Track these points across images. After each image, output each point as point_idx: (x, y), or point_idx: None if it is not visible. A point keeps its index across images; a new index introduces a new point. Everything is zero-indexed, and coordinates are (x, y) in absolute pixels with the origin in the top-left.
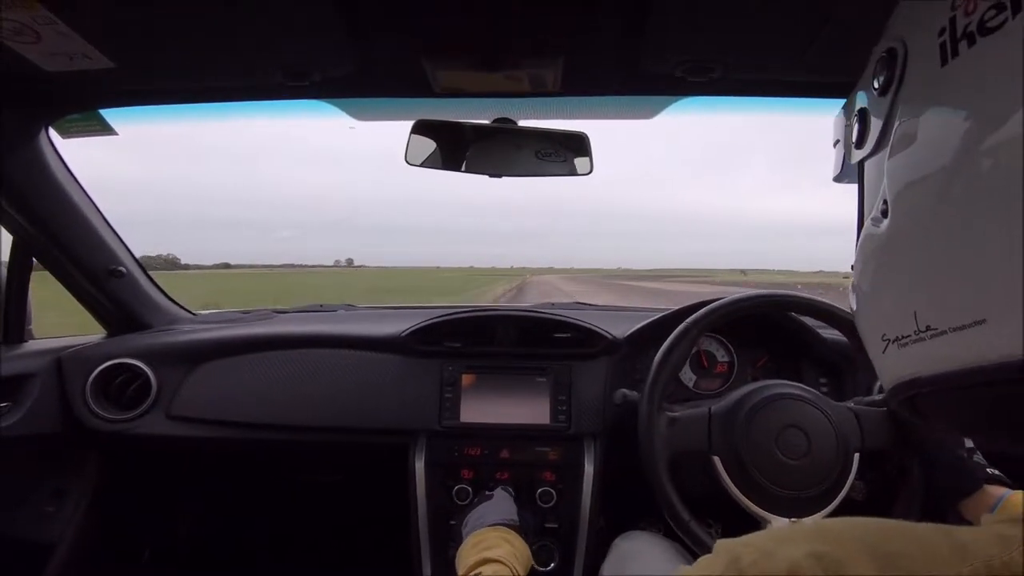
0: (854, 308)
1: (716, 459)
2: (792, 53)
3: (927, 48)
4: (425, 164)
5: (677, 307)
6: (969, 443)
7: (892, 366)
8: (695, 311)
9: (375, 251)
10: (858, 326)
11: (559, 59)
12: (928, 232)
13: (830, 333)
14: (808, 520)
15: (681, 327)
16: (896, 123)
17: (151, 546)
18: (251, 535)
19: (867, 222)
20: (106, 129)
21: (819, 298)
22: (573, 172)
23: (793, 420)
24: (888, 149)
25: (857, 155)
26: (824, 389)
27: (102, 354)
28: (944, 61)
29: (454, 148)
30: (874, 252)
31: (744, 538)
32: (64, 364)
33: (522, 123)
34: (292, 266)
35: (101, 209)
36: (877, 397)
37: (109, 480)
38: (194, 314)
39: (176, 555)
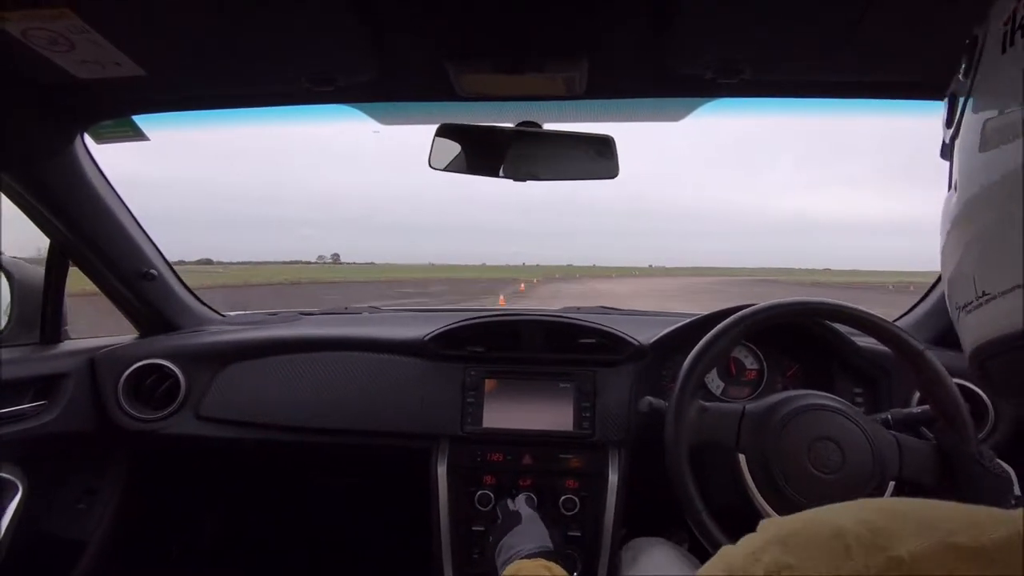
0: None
1: (741, 457)
2: (825, 53)
3: (995, 35)
4: (449, 168)
5: (704, 313)
6: (1018, 491)
7: (964, 334)
8: (723, 318)
9: (386, 249)
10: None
11: (583, 62)
12: (980, 205)
13: (865, 341)
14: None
15: (724, 324)
16: (969, 105)
17: (178, 544)
18: (273, 534)
19: (946, 195)
20: (138, 135)
21: (860, 307)
22: (599, 175)
23: (828, 433)
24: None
25: (947, 134)
26: (859, 399)
27: (134, 354)
28: (1003, 49)
29: (478, 151)
30: (948, 224)
31: (788, 516)
32: (97, 364)
33: (547, 126)
34: (295, 263)
35: (134, 213)
36: (915, 410)
37: (138, 479)
38: (223, 315)
39: (202, 553)
